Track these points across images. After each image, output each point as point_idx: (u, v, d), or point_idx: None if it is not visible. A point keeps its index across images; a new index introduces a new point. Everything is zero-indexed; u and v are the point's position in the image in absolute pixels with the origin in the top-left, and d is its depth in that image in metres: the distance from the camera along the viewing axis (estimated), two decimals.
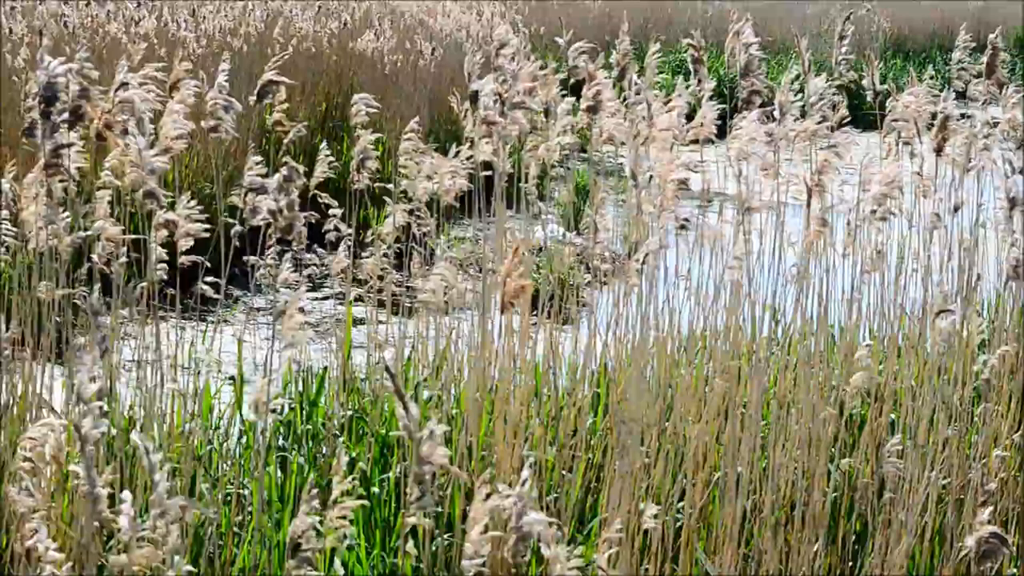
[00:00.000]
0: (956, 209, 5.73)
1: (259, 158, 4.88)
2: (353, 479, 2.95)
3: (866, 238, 5.36)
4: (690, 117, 5.62)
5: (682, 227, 5.14)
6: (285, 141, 6.35)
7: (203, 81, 5.03)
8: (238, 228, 4.90)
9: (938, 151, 5.56)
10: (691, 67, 6.08)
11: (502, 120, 4.93)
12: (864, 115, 7.05)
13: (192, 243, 4.53)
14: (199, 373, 5.20)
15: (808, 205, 4.91)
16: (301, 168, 3.88)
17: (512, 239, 5.01)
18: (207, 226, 4.50)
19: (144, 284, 4.56)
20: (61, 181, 4.10)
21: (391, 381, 2.69)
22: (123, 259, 4.60)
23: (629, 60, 6.94)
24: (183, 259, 4.57)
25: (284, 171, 4.12)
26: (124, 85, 4.38)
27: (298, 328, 3.64)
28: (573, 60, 5.48)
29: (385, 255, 5.74)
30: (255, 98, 5.23)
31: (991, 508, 3.47)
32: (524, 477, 2.50)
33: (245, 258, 5.40)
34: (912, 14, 27.15)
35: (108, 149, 4.59)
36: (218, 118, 4.70)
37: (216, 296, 4.96)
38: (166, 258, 4.59)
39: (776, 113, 5.40)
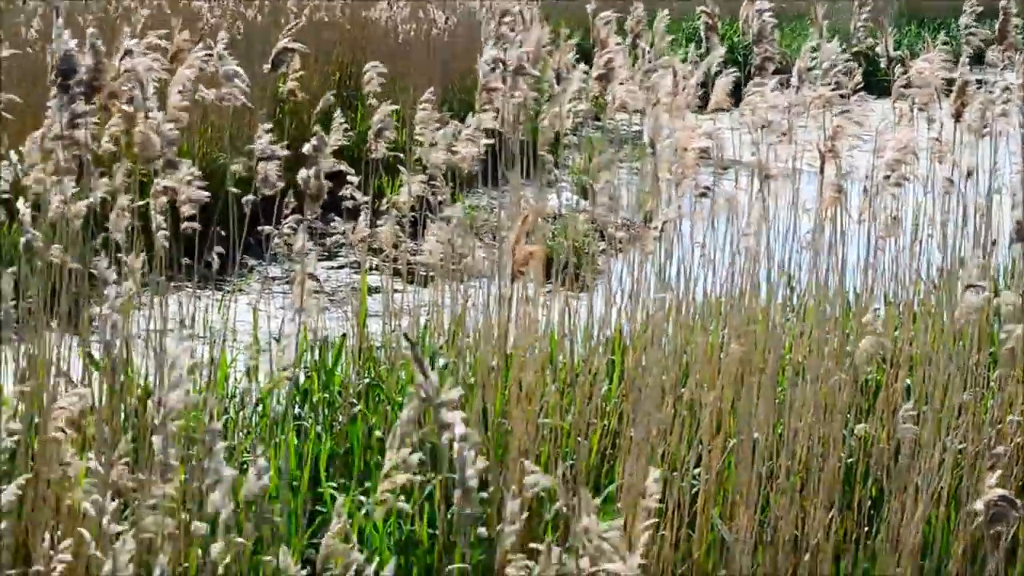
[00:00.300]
0: (969, 174, 5.72)
1: (269, 126, 4.86)
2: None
3: (881, 204, 5.34)
4: (702, 84, 5.60)
5: (702, 195, 5.12)
6: (315, 112, 6.33)
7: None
8: (250, 197, 4.90)
9: (957, 116, 5.54)
10: (703, 34, 6.07)
11: (503, 86, 4.92)
12: (879, 81, 7.02)
13: (196, 211, 4.51)
14: (214, 342, 5.21)
15: (822, 172, 4.90)
16: None
17: (525, 206, 5.00)
18: (207, 193, 4.48)
19: (151, 254, 4.56)
20: (75, 153, 4.11)
21: (411, 348, 2.69)
22: (129, 226, 4.58)
23: (643, 27, 6.92)
24: (185, 225, 4.55)
25: (314, 140, 4.12)
26: (128, 53, 4.37)
27: (309, 295, 3.65)
28: (601, 28, 5.47)
29: (400, 224, 5.73)
30: (269, 66, 5.22)
31: (1002, 472, 3.48)
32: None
33: (259, 228, 5.40)
34: None
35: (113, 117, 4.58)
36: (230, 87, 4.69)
37: (216, 266, 4.95)
38: (178, 227, 4.58)
39: (794, 80, 5.38)
